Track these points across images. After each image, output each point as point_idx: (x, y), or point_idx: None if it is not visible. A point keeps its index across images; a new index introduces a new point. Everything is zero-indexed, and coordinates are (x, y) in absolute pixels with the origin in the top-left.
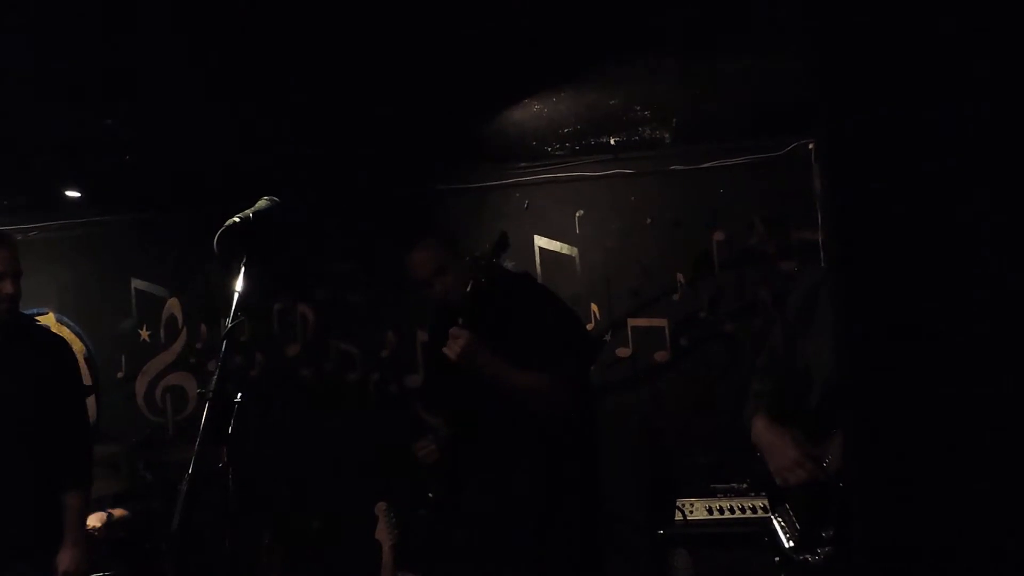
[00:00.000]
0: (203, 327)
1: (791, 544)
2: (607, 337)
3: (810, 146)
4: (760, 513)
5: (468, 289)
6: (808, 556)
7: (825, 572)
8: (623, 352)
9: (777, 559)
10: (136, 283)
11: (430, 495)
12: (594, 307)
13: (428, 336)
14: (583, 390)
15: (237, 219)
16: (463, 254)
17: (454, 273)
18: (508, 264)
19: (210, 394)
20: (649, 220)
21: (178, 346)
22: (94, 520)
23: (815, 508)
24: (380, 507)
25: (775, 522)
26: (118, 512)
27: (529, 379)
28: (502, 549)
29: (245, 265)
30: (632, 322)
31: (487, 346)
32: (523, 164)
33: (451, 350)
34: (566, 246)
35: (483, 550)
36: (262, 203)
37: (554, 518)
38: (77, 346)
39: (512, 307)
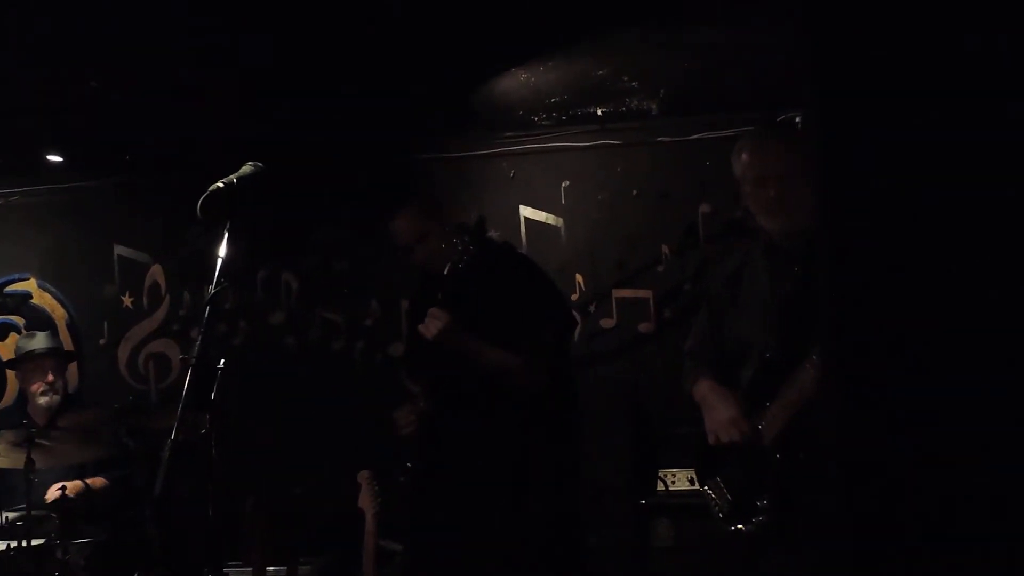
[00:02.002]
0: (186, 294)
1: (721, 515)
2: (592, 308)
3: (797, 120)
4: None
5: (446, 272)
6: (741, 526)
7: (760, 540)
8: (607, 323)
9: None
10: (119, 249)
11: (408, 464)
12: (579, 277)
13: (409, 304)
14: (560, 363)
15: (221, 184)
16: (446, 220)
17: (436, 239)
18: (492, 234)
19: (193, 361)
20: (635, 191)
21: (161, 313)
22: (71, 488)
23: (749, 478)
24: (363, 475)
25: (705, 495)
26: (97, 481)
27: (505, 357)
28: (479, 518)
29: (229, 231)
30: (617, 293)
31: (464, 328)
32: (509, 134)
33: (428, 330)
34: (552, 216)
35: (460, 519)
36: (246, 168)
37: (531, 488)
38: (59, 312)
39: (493, 279)
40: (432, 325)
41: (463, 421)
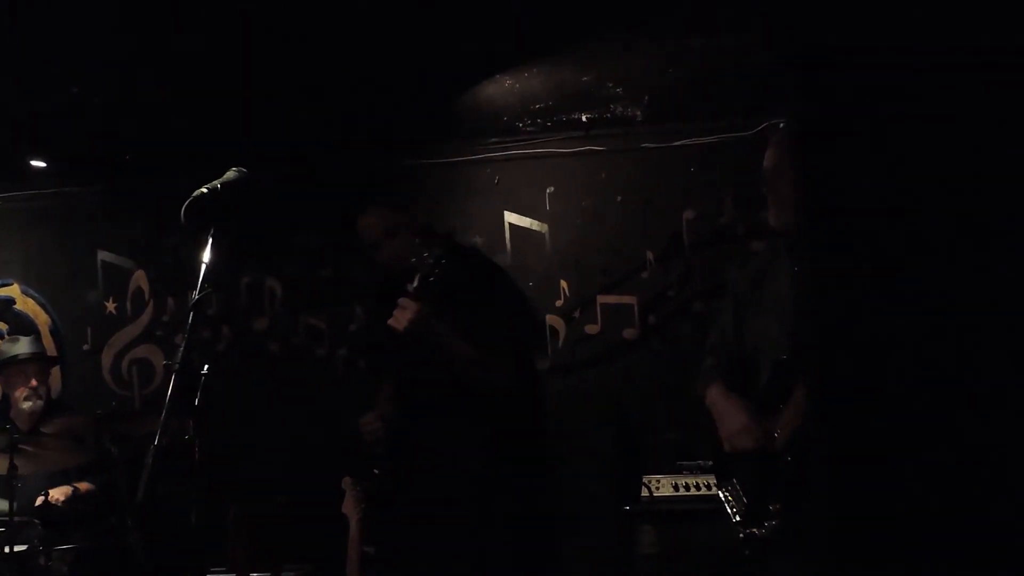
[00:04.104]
0: (170, 300)
1: (737, 518)
2: (576, 314)
3: (781, 126)
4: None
5: (416, 284)
6: (755, 530)
7: (772, 545)
8: (592, 329)
9: (741, 535)
10: (102, 255)
11: (376, 471)
12: (563, 284)
13: (373, 307)
14: (525, 368)
15: (204, 190)
16: (415, 221)
17: (404, 238)
18: (476, 239)
19: (177, 366)
20: (619, 198)
21: (145, 319)
22: (58, 493)
23: (763, 482)
24: (347, 481)
25: (722, 497)
26: (84, 486)
27: (472, 350)
28: (448, 522)
29: (212, 237)
30: (601, 299)
31: (434, 319)
32: (494, 140)
33: (398, 322)
34: (536, 222)
35: (429, 524)
36: (230, 174)
37: (498, 496)
38: (42, 318)
39: (464, 292)
40: (402, 316)
41: (430, 427)
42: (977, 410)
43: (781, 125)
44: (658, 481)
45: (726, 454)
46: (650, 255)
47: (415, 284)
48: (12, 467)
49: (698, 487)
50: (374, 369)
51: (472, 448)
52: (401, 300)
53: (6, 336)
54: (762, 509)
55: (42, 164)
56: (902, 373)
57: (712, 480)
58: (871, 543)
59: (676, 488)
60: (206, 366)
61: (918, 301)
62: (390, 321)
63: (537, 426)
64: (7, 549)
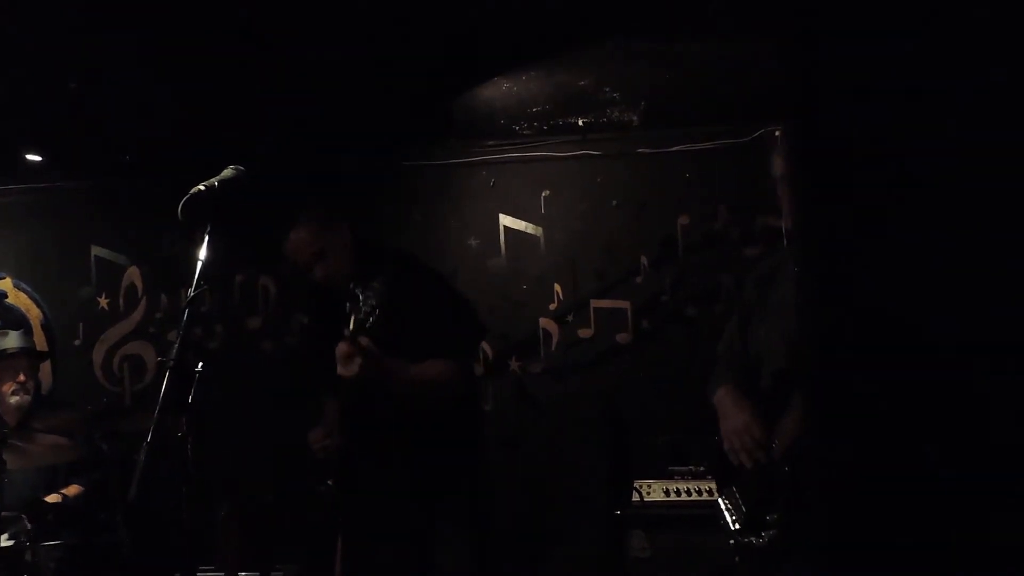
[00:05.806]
0: (163, 296)
1: (737, 526)
2: (570, 317)
3: (777, 133)
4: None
5: (351, 328)
6: (753, 538)
7: (769, 554)
8: (585, 333)
9: (732, 541)
10: (96, 250)
11: (329, 482)
12: (557, 287)
13: (307, 320)
14: (471, 374)
15: (202, 187)
16: (345, 232)
17: (337, 255)
18: (472, 242)
19: (171, 363)
20: (615, 202)
21: (137, 315)
22: (51, 499)
23: (761, 491)
24: None
25: (722, 504)
26: (72, 490)
27: (426, 369)
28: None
29: (209, 234)
30: (595, 303)
31: (381, 354)
32: (491, 142)
33: (347, 371)
34: (531, 226)
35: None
36: (227, 172)
37: (441, 502)
38: (34, 312)
39: (397, 294)
40: (350, 364)
41: (372, 439)
42: (977, 414)
43: (777, 132)
44: (649, 486)
45: (727, 462)
46: (644, 260)
47: (351, 328)
48: (0, 462)
49: (689, 492)
50: (316, 385)
51: (413, 459)
52: (342, 350)
53: None
54: (761, 518)
55: (37, 158)
56: (900, 377)
57: (704, 485)
58: (867, 552)
59: (667, 493)
60: (200, 364)
61: (917, 307)
62: (339, 371)
63: (475, 435)
64: None
